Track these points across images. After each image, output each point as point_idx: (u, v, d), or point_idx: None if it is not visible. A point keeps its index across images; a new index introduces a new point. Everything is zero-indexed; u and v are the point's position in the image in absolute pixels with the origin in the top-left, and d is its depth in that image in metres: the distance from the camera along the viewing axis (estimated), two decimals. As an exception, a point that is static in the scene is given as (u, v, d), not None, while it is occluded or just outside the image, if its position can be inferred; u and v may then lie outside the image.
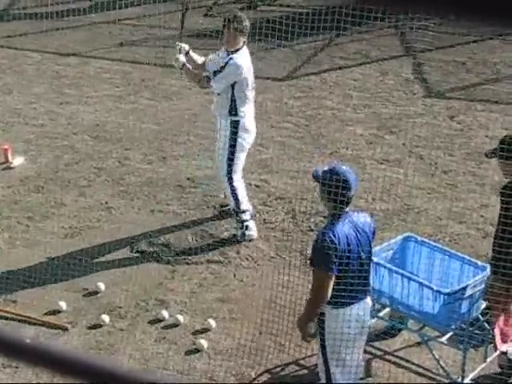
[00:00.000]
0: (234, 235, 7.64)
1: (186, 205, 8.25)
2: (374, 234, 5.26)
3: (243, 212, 7.56)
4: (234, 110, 7.40)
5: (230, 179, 7.48)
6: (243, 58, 7.34)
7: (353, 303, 5.14)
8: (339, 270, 5.00)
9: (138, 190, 8.51)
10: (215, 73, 7.29)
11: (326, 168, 5.12)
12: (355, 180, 5.07)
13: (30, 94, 10.66)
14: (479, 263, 5.98)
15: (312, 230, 7.83)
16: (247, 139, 7.52)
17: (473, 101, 10.41)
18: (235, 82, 7.30)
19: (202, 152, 8.90)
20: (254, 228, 7.65)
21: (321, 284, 5.00)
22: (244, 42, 7.36)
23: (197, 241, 7.64)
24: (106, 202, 8.29)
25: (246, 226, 7.58)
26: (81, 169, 8.92)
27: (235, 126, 7.40)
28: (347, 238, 5.01)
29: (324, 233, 5.01)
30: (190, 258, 7.44)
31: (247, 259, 7.43)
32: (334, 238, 4.95)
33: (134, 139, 9.47)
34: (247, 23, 7.29)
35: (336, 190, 4.94)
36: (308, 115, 9.99)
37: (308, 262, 5.37)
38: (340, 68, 11.26)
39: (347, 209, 5.06)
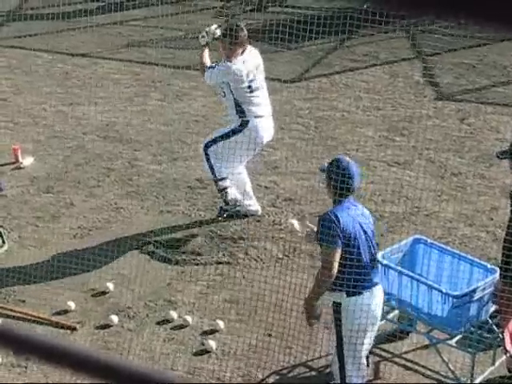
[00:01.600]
0: (221, 207, 7.82)
1: (195, 206, 8.25)
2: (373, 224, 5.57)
3: (221, 179, 7.70)
4: (241, 112, 7.57)
5: (206, 147, 7.68)
6: (238, 64, 7.52)
7: (364, 291, 5.32)
8: (348, 252, 5.27)
9: (147, 190, 8.52)
10: (210, 67, 7.56)
11: (331, 160, 5.59)
12: (357, 171, 5.47)
13: (40, 94, 10.68)
14: (488, 266, 5.96)
15: (321, 232, 7.82)
16: (254, 140, 7.59)
17: (483, 103, 10.38)
18: (229, 84, 7.50)
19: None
20: (235, 191, 7.78)
21: (327, 259, 5.26)
22: (242, 49, 7.52)
23: (206, 242, 7.64)
24: (116, 203, 8.30)
25: (226, 193, 7.72)
26: (90, 169, 8.93)
27: (243, 125, 7.60)
28: (352, 221, 5.32)
29: (327, 213, 5.41)
30: (198, 258, 7.44)
31: (256, 260, 7.43)
32: (337, 215, 5.30)
33: (144, 140, 9.48)
34: (245, 33, 7.50)
35: (338, 178, 5.32)
36: (318, 117, 9.98)
37: (317, 242, 5.55)
38: (350, 70, 11.24)
39: (351, 198, 5.43)
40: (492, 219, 7.94)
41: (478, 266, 5.90)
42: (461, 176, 8.76)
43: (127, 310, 6.79)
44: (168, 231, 7.76)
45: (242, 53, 7.55)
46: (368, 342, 5.38)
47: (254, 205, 7.95)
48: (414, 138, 9.49)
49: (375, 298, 5.38)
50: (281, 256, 7.48)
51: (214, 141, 7.68)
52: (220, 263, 7.39)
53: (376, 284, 5.41)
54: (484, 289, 5.63)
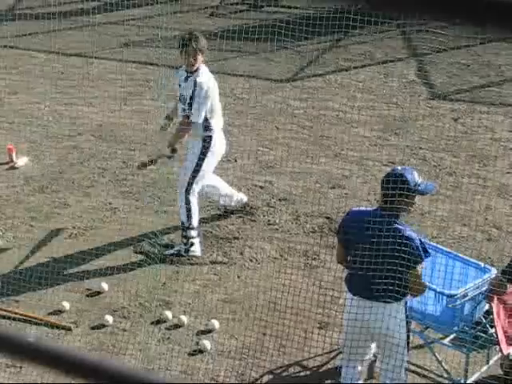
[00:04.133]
0: (178, 251, 7.47)
1: (189, 205, 8.25)
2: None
3: (192, 229, 7.46)
4: (207, 128, 7.42)
5: (188, 193, 7.46)
6: (206, 76, 7.39)
7: (355, 294, 5.28)
8: (347, 250, 5.35)
9: (142, 190, 8.52)
10: (190, 105, 7.32)
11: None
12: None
13: (35, 94, 10.67)
14: (482, 265, 5.98)
15: (315, 232, 7.84)
16: (218, 152, 7.54)
17: (477, 103, 10.40)
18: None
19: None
20: (199, 247, 7.51)
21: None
22: (203, 60, 7.41)
23: (200, 242, 7.64)
24: (110, 203, 8.30)
25: (192, 243, 7.46)
26: (85, 169, 8.93)
27: (208, 142, 7.43)
28: (356, 228, 5.23)
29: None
30: (193, 258, 7.44)
31: (251, 260, 7.44)
32: (348, 214, 5.44)
33: (139, 140, 9.48)
34: (205, 42, 7.39)
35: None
36: (312, 116, 9.99)
37: None
38: (345, 69, 11.25)
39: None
40: (487, 219, 7.96)
41: (473, 265, 5.91)
42: (455, 175, 8.78)
43: (122, 310, 6.79)
44: (163, 231, 7.76)
45: (202, 62, 7.40)
46: (354, 353, 5.37)
47: (238, 196, 7.92)
48: (408, 137, 9.51)
49: (363, 309, 5.28)
50: (276, 256, 7.49)
51: (192, 180, 7.43)
52: (215, 263, 7.39)
53: (370, 298, 5.26)
54: (478, 288, 5.64)
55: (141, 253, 7.52)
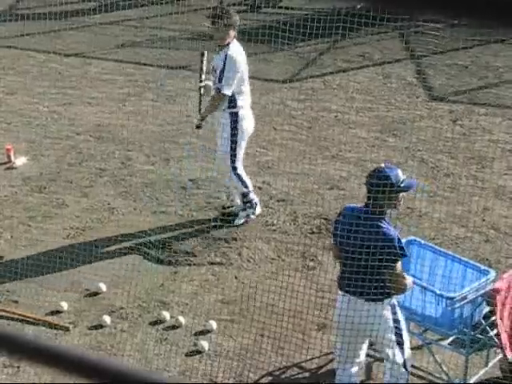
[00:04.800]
0: (247, 215, 7.86)
1: (188, 206, 8.25)
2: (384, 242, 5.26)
3: (250, 192, 7.84)
4: (233, 103, 7.62)
5: (235, 168, 7.73)
6: (237, 51, 7.60)
7: (342, 291, 5.31)
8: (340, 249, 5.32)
9: (140, 191, 8.52)
10: (220, 79, 7.51)
11: None
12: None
13: (33, 94, 10.66)
14: (482, 267, 5.97)
15: (313, 233, 7.83)
16: (248, 129, 7.75)
17: (476, 105, 10.40)
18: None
19: (204, 153, 8.90)
20: (259, 206, 7.95)
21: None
22: (234, 35, 7.61)
23: (198, 242, 7.65)
24: (109, 203, 8.29)
25: (256, 204, 7.88)
26: (83, 169, 8.92)
27: (235, 118, 7.63)
28: (345, 224, 5.24)
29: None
30: (191, 259, 7.44)
31: (248, 261, 7.43)
32: (342, 211, 5.43)
33: (137, 140, 9.48)
34: (237, 17, 7.64)
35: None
36: (311, 118, 9.99)
37: None
38: (343, 71, 11.25)
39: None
40: (484, 220, 7.96)
41: (471, 267, 5.91)
42: (453, 177, 8.78)
43: (120, 310, 6.78)
44: (161, 232, 7.75)
45: (234, 38, 7.62)
46: (345, 350, 5.40)
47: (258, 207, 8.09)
48: (406, 138, 9.51)
49: (349, 306, 5.30)
50: (274, 256, 7.49)
51: (233, 156, 7.68)
52: (213, 264, 7.39)
53: (357, 296, 5.27)
54: (477, 290, 5.64)
55: (139, 253, 7.51)
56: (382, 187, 5.16)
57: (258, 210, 8.00)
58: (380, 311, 5.21)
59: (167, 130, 9.72)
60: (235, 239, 7.72)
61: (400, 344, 5.26)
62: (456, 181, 8.70)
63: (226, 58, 7.50)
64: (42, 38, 12.35)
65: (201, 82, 7.76)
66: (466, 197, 8.32)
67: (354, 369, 5.47)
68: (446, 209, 8.07)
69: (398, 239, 5.18)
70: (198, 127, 7.85)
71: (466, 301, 5.59)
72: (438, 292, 5.61)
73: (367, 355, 5.72)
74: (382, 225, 5.19)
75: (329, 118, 9.98)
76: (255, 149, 8.60)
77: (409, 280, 5.27)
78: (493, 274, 5.88)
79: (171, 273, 7.27)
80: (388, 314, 5.22)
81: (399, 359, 5.30)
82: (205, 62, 7.75)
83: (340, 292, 5.38)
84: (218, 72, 7.56)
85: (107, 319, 6.65)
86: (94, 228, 7.89)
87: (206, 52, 7.82)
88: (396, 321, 5.24)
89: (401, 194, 5.30)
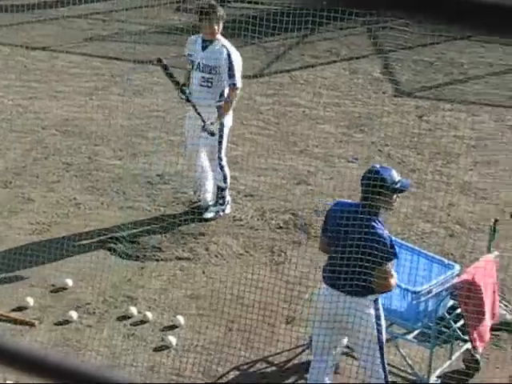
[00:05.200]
0: (217, 211, 7.94)
1: (155, 201, 8.24)
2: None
3: (226, 189, 7.97)
4: (222, 96, 7.73)
5: (221, 160, 7.85)
6: (230, 44, 7.74)
7: (327, 284, 5.33)
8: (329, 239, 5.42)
9: (107, 186, 8.48)
10: (231, 76, 7.62)
11: None
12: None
13: (-1, 87, 10.57)
14: (447, 261, 6.04)
15: (281, 228, 7.86)
16: (229, 122, 7.87)
17: (441, 100, 10.49)
18: (224, 69, 7.66)
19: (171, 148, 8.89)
20: (229, 206, 8.09)
21: None
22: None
23: (166, 237, 7.64)
24: (75, 198, 8.25)
25: (228, 202, 8.01)
26: (49, 164, 8.87)
27: (221, 111, 7.72)
28: (337, 219, 5.28)
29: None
30: (159, 254, 7.43)
31: (216, 256, 7.44)
32: (333, 205, 5.52)
33: (104, 135, 9.43)
34: (223, 11, 7.76)
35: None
36: (278, 113, 10.02)
37: None
38: (311, 66, 11.29)
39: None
40: (449, 215, 8.04)
41: (437, 261, 5.97)
42: (419, 172, 8.85)
43: (87, 306, 6.76)
44: (128, 227, 7.73)
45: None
46: (320, 347, 5.46)
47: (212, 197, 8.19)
48: (373, 134, 9.57)
49: (330, 298, 5.34)
50: (241, 251, 7.51)
51: (220, 151, 7.80)
52: (180, 259, 7.39)
53: (337, 287, 5.33)
54: (442, 284, 5.70)
55: (106, 248, 7.49)
56: (377, 188, 5.21)
57: (228, 209, 8.04)
58: (362, 306, 5.24)
59: (135, 124, 9.69)
60: (203, 234, 7.72)
61: (380, 342, 5.29)
62: (422, 176, 8.77)
63: (229, 55, 7.60)
64: (7, 30, 12.24)
65: (183, 86, 7.73)
66: (431, 192, 8.39)
67: (330, 362, 5.49)
68: (413, 204, 8.13)
69: (390, 240, 5.23)
70: (213, 134, 7.70)
71: (431, 295, 5.65)
72: (403, 286, 5.67)
73: (344, 354, 5.75)
74: (375, 225, 5.23)
75: (296, 113, 10.01)
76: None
77: (395, 281, 5.31)
78: (457, 268, 5.95)
79: (139, 268, 7.26)
80: (371, 310, 5.26)
81: (378, 360, 5.31)
82: (167, 67, 7.73)
83: (324, 285, 5.40)
84: (222, 68, 7.62)
85: (74, 315, 6.62)
86: (60, 223, 7.85)
87: (162, 58, 7.83)
88: (378, 317, 5.27)
89: (395, 195, 5.35)
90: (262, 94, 10.40)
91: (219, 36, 7.70)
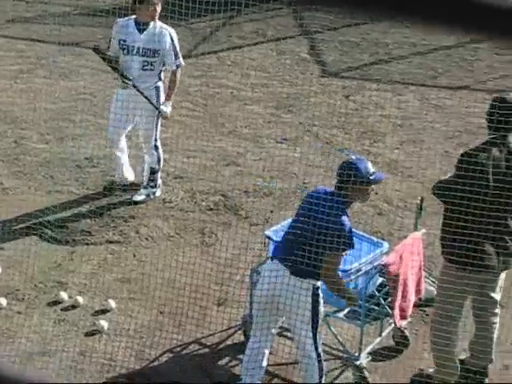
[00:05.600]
0: (148, 195, 7.93)
1: (84, 185, 8.17)
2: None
3: (158, 171, 7.97)
4: (159, 77, 7.79)
5: (156, 141, 7.88)
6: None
7: (276, 257, 5.43)
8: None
9: (34, 170, 8.37)
10: (176, 56, 7.71)
11: None
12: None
13: None
14: (375, 240, 6.14)
15: (211, 209, 7.88)
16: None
17: (367, 80, 10.61)
18: (164, 52, 7.69)
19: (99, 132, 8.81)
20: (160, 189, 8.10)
21: None
22: None
23: (96, 221, 7.59)
24: (2, 183, 8.13)
25: (159, 185, 8.01)
26: (-26, 149, 8.71)
27: (158, 92, 7.78)
28: (305, 204, 5.43)
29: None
30: (89, 238, 7.38)
31: (147, 239, 7.42)
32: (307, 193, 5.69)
33: (30, 119, 9.29)
34: None
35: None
36: (206, 94, 10.00)
37: None
38: (238, 47, 11.29)
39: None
40: (377, 193, 8.14)
41: (366, 240, 6.06)
42: (347, 151, 8.94)
43: (16, 292, 6.68)
44: (57, 211, 7.66)
45: None
46: (259, 327, 5.54)
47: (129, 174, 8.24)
48: (301, 114, 9.63)
49: (272, 272, 5.41)
50: (172, 234, 7.50)
51: (156, 132, 7.84)
52: (111, 242, 7.35)
53: (281, 261, 5.41)
54: (371, 262, 5.80)
55: (34, 233, 7.41)
56: (351, 178, 5.29)
57: (159, 192, 8.03)
58: (299, 289, 5.28)
59: (61, 107, 9.56)
60: (133, 217, 7.70)
61: (314, 325, 5.35)
62: (350, 156, 8.86)
63: (171, 37, 7.65)
64: None
65: (125, 78, 7.68)
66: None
67: (268, 343, 5.54)
68: (341, 183, 8.21)
69: (350, 231, 5.30)
70: (166, 117, 7.87)
71: (360, 273, 5.74)
72: (334, 265, 5.73)
73: (278, 334, 5.79)
74: (340, 213, 5.29)
75: (225, 95, 10.01)
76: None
77: (340, 280, 5.37)
78: (386, 246, 6.06)
79: (68, 252, 7.20)
80: (308, 294, 5.31)
81: (310, 341, 5.37)
82: (106, 54, 7.67)
83: (273, 261, 5.44)
84: (166, 51, 7.63)
85: (3, 301, 6.54)
86: (-13, 209, 7.73)
87: (98, 46, 7.75)
88: (315, 303, 5.31)
89: (370, 187, 5.40)
90: (189, 75, 10.36)
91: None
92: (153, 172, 7.97)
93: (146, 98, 7.64)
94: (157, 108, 7.70)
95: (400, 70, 10.98)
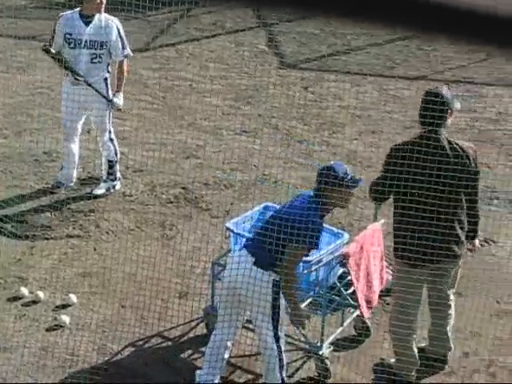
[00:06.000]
0: (108, 188, 7.93)
1: (43, 179, 8.12)
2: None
3: (116, 163, 7.98)
4: (108, 69, 7.76)
5: (110, 133, 7.87)
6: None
7: (245, 248, 5.50)
8: None
9: (-7, 165, 8.31)
10: (123, 46, 7.67)
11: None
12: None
13: None
14: (336, 230, 6.18)
15: (171, 202, 7.87)
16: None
17: (326, 71, 10.67)
18: (110, 44, 7.67)
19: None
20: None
21: None
22: None
23: (55, 215, 7.55)
24: (-41, 178, 8.05)
25: (119, 178, 8.01)
26: None
27: (107, 84, 7.78)
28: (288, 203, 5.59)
29: None
30: (49, 233, 7.34)
31: (107, 233, 7.40)
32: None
33: (-13, 113, 9.21)
34: None
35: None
36: (165, 87, 9.98)
37: None
38: (196, 39, 11.28)
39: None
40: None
41: (326, 230, 6.09)
42: (306, 143, 8.99)
43: (-24, 288, 6.63)
44: (16, 206, 7.60)
45: None
46: (221, 320, 5.60)
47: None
48: (260, 106, 9.66)
49: (236, 262, 5.45)
50: (132, 227, 7.49)
51: (109, 123, 7.82)
52: (71, 237, 7.32)
53: (247, 250, 5.47)
54: (332, 253, 5.84)
55: (-7, 229, 7.35)
56: (330, 183, 5.33)
57: (118, 185, 8.00)
58: (260, 281, 5.30)
59: (18, 101, 9.48)
60: (93, 211, 7.67)
61: (274, 318, 5.38)
62: (309, 147, 8.91)
63: (118, 28, 7.62)
64: None
65: (77, 75, 7.64)
66: (318, 162, 8.55)
67: (230, 335, 5.56)
68: (301, 174, 8.27)
69: (319, 233, 5.32)
70: (119, 109, 7.86)
71: (321, 264, 5.78)
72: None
73: (243, 327, 5.81)
74: (314, 213, 5.33)
75: (183, 87, 10.00)
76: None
77: (294, 277, 5.39)
78: (346, 236, 6.10)
79: (28, 247, 7.16)
80: (268, 286, 5.33)
81: (270, 333, 5.41)
82: (56, 53, 7.61)
83: (240, 252, 5.49)
84: (113, 42, 7.59)
85: (-38, 298, 6.48)
86: None
87: (47, 46, 7.69)
88: (275, 294, 5.34)
89: (349, 191, 5.44)
90: (147, 68, 10.34)
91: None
92: (111, 165, 7.94)
93: (97, 91, 7.61)
94: (109, 100, 7.66)
95: (358, 61, 11.05)
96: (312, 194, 5.49)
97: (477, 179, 5.53)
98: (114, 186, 7.95)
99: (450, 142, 5.46)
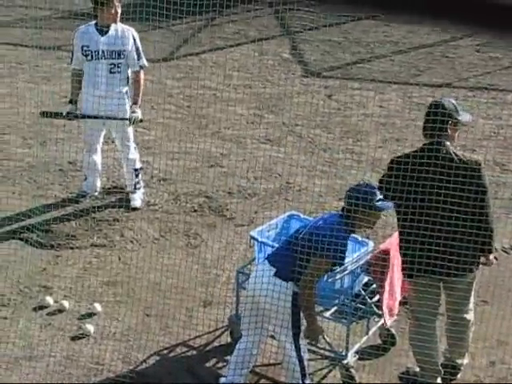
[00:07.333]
0: (142, 198, 7.98)
1: (68, 189, 8.16)
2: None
3: (141, 172, 8.04)
4: (128, 82, 7.75)
5: (134, 142, 7.95)
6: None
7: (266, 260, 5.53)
8: None
9: (18, 175, 8.36)
10: (139, 57, 7.67)
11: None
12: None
13: None
14: (360, 238, 6.15)
15: (195, 211, 7.88)
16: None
17: (349, 79, 10.65)
18: (128, 54, 7.69)
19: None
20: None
21: None
22: None
23: (80, 225, 7.58)
24: (-15, 188, 8.11)
25: (142, 187, 8.01)
26: (-44, 154, 8.68)
27: (128, 95, 7.77)
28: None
29: None
30: (73, 242, 7.37)
31: (132, 242, 7.42)
32: None
33: (12, 123, 9.27)
34: None
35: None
36: (189, 96, 10.00)
37: None
38: (220, 48, 11.31)
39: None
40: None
41: (351, 239, 6.05)
42: (330, 151, 8.98)
43: (1, 297, 6.66)
44: (41, 215, 7.64)
45: None
46: (246, 332, 5.61)
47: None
48: (284, 114, 9.66)
49: (256, 277, 5.45)
50: (157, 236, 7.50)
51: (132, 132, 7.86)
52: (96, 246, 7.34)
53: (269, 264, 5.48)
54: (357, 261, 5.81)
55: (19, 239, 7.39)
56: (360, 204, 5.32)
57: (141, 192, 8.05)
58: (278, 293, 5.31)
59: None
60: (117, 220, 7.69)
61: (295, 328, 5.38)
62: (333, 155, 8.90)
63: (134, 37, 7.64)
64: None
65: (68, 113, 7.77)
66: (342, 170, 8.53)
67: (255, 343, 5.55)
68: (325, 183, 8.25)
69: (344, 249, 5.34)
70: (141, 120, 7.79)
71: (346, 272, 5.75)
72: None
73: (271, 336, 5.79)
74: (342, 229, 5.37)
75: (207, 96, 10.02)
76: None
77: (313, 291, 5.36)
78: (371, 244, 6.08)
79: (53, 257, 7.19)
80: (287, 298, 5.34)
81: (290, 345, 5.40)
82: (55, 114, 7.78)
83: (264, 262, 5.52)
84: (129, 52, 7.60)
85: (-12, 307, 6.52)
86: (-30, 214, 7.70)
87: (43, 111, 7.74)
88: (295, 305, 5.34)
89: (378, 214, 5.44)
90: (172, 77, 10.38)
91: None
92: (136, 174, 7.96)
93: (114, 118, 7.63)
94: (128, 119, 7.62)
95: (382, 69, 11.03)
96: (339, 214, 5.49)
97: (484, 192, 5.38)
98: (143, 194, 7.97)
99: (452, 154, 5.34)
